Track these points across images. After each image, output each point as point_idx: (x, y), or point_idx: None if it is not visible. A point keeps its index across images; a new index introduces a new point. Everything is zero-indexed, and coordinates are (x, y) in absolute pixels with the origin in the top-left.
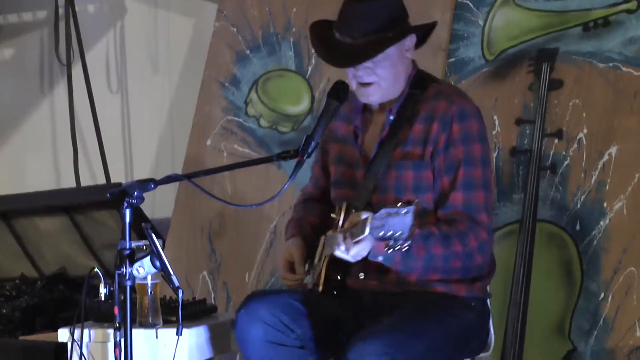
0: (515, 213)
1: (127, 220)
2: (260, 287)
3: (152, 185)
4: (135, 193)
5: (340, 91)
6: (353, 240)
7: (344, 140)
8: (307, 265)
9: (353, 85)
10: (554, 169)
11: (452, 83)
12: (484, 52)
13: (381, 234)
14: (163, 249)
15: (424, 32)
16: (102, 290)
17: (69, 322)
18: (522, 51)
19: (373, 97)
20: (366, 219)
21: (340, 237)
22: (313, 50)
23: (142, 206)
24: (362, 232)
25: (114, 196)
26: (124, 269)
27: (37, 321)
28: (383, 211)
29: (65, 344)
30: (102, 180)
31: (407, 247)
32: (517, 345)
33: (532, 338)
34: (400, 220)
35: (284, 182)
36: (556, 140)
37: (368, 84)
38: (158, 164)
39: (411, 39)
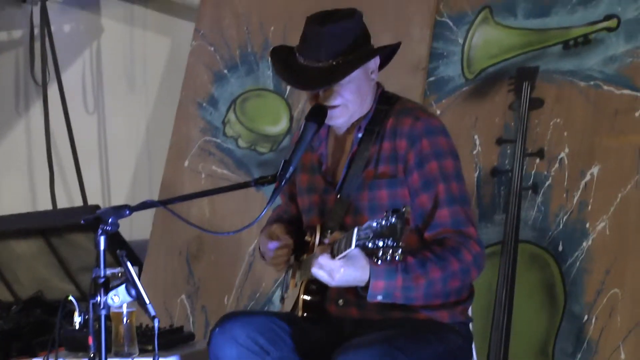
0: (496, 234)
1: (102, 247)
2: (240, 309)
3: (127, 212)
4: (110, 220)
5: (318, 114)
6: (338, 257)
7: (309, 169)
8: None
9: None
10: (535, 189)
11: (432, 102)
12: (463, 71)
13: (370, 244)
14: (140, 273)
15: (388, 53)
16: (77, 319)
17: (45, 348)
18: (503, 70)
19: (339, 119)
20: (350, 232)
21: (323, 256)
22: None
23: (119, 227)
24: (349, 245)
25: (88, 223)
26: (98, 298)
27: (13, 346)
28: (369, 222)
29: None
30: (78, 201)
31: (397, 257)
32: None
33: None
34: (390, 228)
35: (262, 203)
36: (537, 160)
37: (334, 107)
38: (135, 185)
39: (375, 61)
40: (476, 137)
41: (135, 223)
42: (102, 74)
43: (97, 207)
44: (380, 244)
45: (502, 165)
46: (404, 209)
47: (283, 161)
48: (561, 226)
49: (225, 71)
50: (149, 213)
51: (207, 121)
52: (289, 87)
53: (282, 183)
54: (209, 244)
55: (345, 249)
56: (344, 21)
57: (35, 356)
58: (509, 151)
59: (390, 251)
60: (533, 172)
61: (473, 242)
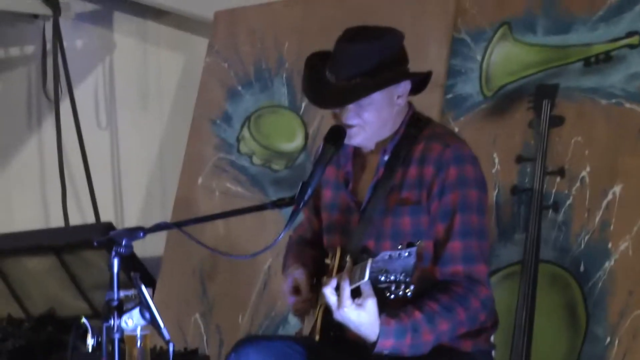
0: (516, 254)
1: (115, 270)
2: (254, 329)
3: (141, 234)
4: (124, 242)
5: (337, 136)
6: (352, 286)
7: (335, 185)
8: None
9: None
10: (556, 208)
11: (450, 120)
12: (482, 88)
13: (382, 278)
14: (154, 292)
15: (420, 79)
16: (90, 341)
17: None
18: (522, 87)
19: (355, 139)
20: (365, 262)
21: (334, 282)
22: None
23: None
24: (362, 277)
25: (101, 245)
26: (111, 321)
27: None
28: (384, 254)
29: None
30: (91, 217)
31: (410, 292)
32: None
33: None
34: (402, 264)
35: (278, 222)
36: (558, 179)
37: (351, 126)
38: (148, 201)
39: (404, 85)
40: (495, 155)
41: (149, 239)
42: (115, 89)
43: (110, 224)
44: (392, 278)
45: (522, 184)
46: (417, 244)
47: (302, 183)
48: (583, 246)
49: (240, 88)
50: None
51: (221, 138)
52: (304, 104)
53: (300, 206)
54: (223, 263)
55: (359, 280)
56: (374, 41)
57: None
58: (529, 170)
59: (403, 287)
60: (554, 191)
61: (481, 286)
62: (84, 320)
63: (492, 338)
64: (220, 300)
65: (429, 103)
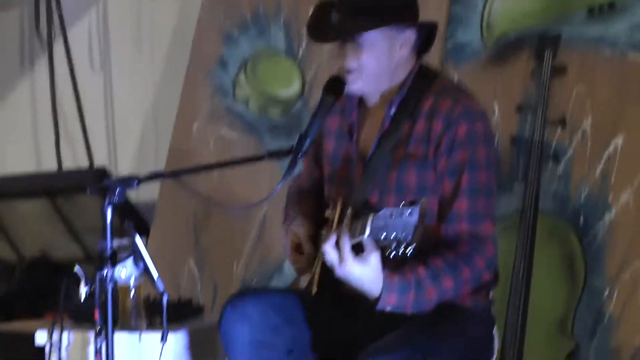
0: (515, 204)
1: (109, 219)
2: (249, 277)
3: (136, 183)
4: (118, 191)
5: (336, 86)
6: (352, 241)
7: (338, 135)
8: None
9: (341, 73)
10: (556, 159)
11: (450, 69)
12: (483, 37)
13: (383, 236)
14: (148, 238)
15: (427, 33)
16: (83, 290)
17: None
18: (524, 36)
19: (354, 85)
20: (367, 217)
21: (344, 237)
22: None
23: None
24: (363, 232)
25: (94, 193)
26: (105, 271)
27: (17, 307)
28: (385, 211)
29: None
30: (84, 160)
31: (411, 251)
32: (517, 344)
33: (533, 336)
34: (404, 222)
35: (273, 171)
36: (559, 129)
37: (350, 71)
38: (142, 146)
39: (409, 35)
40: (495, 104)
41: (143, 185)
42: (109, 31)
43: (103, 169)
44: (393, 236)
45: (522, 134)
46: (421, 202)
47: (299, 134)
48: (583, 198)
49: (236, 32)
50: None
51: (217, 84)
52: (301, 50)
53: (298, 158)
54: (217, 210)
55: (359, 235)
56: None
57: (40, 317)
58: (529, 119)
59: (403, 245)
60: (554, 141)
61: (486, 245)
62: (76, 268)
63: (491, 294)
64: (214, 248)
65: (429, 51)
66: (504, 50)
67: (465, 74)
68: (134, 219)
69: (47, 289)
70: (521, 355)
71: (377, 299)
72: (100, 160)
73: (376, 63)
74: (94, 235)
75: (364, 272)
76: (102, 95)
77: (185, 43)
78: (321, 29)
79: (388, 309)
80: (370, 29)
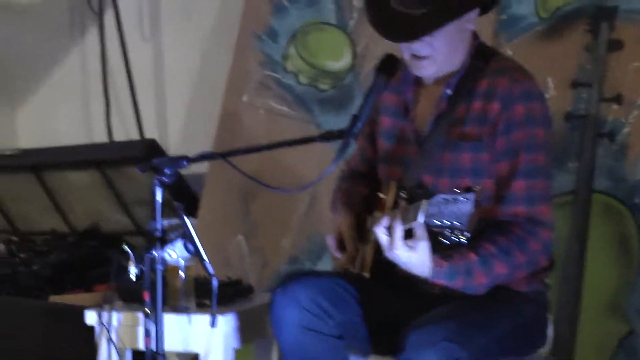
0: (569, 183)
1: (158, 200)
2: (297, 252)
3: (185, 163)
4: (167, 171)
5: (389, 65)
6: (404, 226)
7: (394, 113)
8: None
9: (406, 56)
10: (612, 137)
11: (503, 42)
12: (537, 9)
13: (436, 223)
14: (197, 213)
15: (488, 1)
16: (132, 270)
17: (100, 281)
18: (580, 8)
19: (427, 70)
20: (419, 203)
21: (397, 221)
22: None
23: None
24: (415, 217)
25: (143, 171)
26: (154, 252)
27: (68, 278)
28: (439, 197)
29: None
30: (134, 132)
31: (464, 239)
32: (570, 325)
33: (586, 317)
34: (458, 209)
35: (324, 147)
36: (615, 106)
37: (423, 57)
38: (192, 117)
39: (475, 9)
40: (549, 79)
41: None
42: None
43: (153, 141)
44: (447, 223)
45: (576, 110)
46: (476, 189)
47: (352, 116)
48: (638, 176)
49: (286, 2)
50: (208, 145)
51: (266, 54)
52: (352, 22)
53: (349, 140)
54: (267, 183)
55: (412, 221)
56: None
57: (90, 289)
58: (584, 95)
59: (457, 232)
60: (609, 118)
61: (542, 227)
62: (125, 247)
63: (546, 279)
64: (263, 222)
65: (481, 24)
66: (559, 23)
67: (518, 47)
68: (183, 194)
69: (98, 261)
70: (574, 336)
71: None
72: (149, 129)
73: (449, 46)
74: (143, 207)
75: (412, 259)
76: (152, 64)
77: (234, 11)
78: (387, 23)
79: (442, 280)
80: (447, 22)
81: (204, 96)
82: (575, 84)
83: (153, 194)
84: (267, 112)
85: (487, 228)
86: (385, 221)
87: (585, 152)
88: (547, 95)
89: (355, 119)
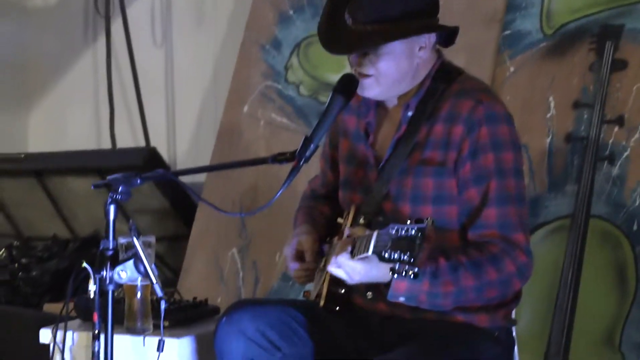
0: (566, 206)
1: (111, 217)
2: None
3: (139, 181)
4: (120, 188)
5: (348, 86)
6: (357, 257)
7: (354, 136)
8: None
9: (355, 74)
10: (612, 160)
11: (506, 58)
12: (542, 26)
13: (386, 255)
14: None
15: (450, 33)
16: (92, 287)
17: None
18: (584, 26)
19: (369, 91)
20: (370, 235)
21: (341, 255)
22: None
23: (180, 165)
24: (366, 249)
25: (98, 188)
26: (104, 272)
27: (67, 286)
28: (390, 228)
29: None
30: (141, 139)
31: (412, 274)
32: (562, 355)
33: (578, 348)
34: (408, 241)
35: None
36: (616, 128)
37: (365, 75)
38: (201, 125)
39: (429, 37)
40: (551, 99)
41: (195, 162)
42: (172, 5)
43: (153, 149)
44: (396, 256)
45: (577, 132)
46: (427, 221)
47: (304, 137)
48: (637, 203)
49: (291, 12)
50: (209, 154)
51: (269, 65)
52: None
53: (301, 163)
54: (264, 197)
55: (363, 252)
56: None
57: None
58: (585, 116)
59: (406, 267)
60: (611, 141)
61: (519, 251)
62: (84, 264)
63: (513, 313)
64: (258, 236)
65: (485, 39)
66: (564, 41)
67: (521, 64)
68: (182, 203)
69: None
70: None
71: (389, 285)
72: (157, 138)
73: (395, 70)
74: (144, 216)
75: (371, 269)
76: (162, 69)
77: (245, 19)
78: (332, 35)
79: (401, 299)
80: (388, 41)
81: (213, 105)
82: (577, 104)
83: (106, 212)
84: (267, 123)
85: (463, 245)
86: (334, 259)
87: (584, 176)
88: (547, 115)
89: (307, 141)
